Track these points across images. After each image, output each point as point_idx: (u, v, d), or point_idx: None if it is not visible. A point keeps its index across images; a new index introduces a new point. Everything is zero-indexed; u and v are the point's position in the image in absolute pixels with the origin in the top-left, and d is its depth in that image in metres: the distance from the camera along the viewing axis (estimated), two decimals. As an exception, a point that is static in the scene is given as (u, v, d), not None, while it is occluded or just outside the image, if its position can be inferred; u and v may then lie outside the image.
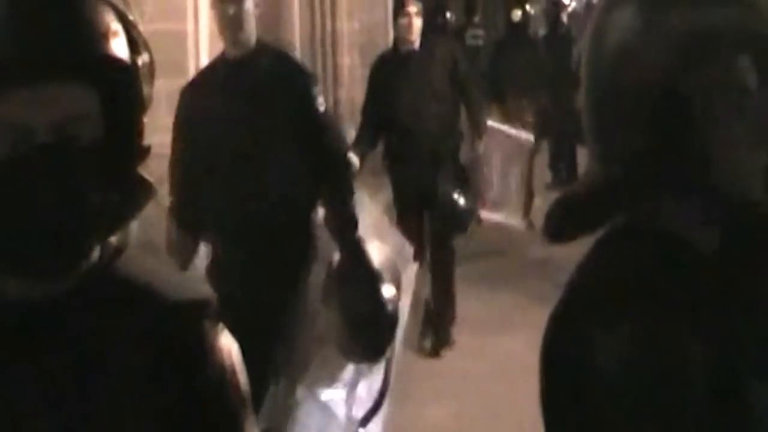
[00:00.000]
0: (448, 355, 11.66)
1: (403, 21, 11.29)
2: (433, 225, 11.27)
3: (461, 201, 11.32)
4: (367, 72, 12.28)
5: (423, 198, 11.19)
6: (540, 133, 17.82)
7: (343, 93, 18.96)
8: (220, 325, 2.31)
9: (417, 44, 11.36)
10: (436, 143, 11.25)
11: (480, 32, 22.24)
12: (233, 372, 2.31)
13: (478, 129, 11.76)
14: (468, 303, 12.21)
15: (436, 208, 11.18)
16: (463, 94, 11.59)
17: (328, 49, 19.31)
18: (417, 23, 11.25)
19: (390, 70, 11.30)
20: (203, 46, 12.83)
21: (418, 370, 10.89)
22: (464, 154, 11.73)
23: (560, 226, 2.51)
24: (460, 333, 11.88)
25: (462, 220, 11.36)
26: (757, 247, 2.50)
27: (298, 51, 16.64)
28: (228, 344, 2.31)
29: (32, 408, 2.18)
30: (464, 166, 11.66)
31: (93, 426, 2.20)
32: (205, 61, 12.71)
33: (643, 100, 2.38)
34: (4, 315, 2.19)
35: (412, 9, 11.24)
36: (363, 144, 10.96)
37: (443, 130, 11.32)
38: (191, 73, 12.45)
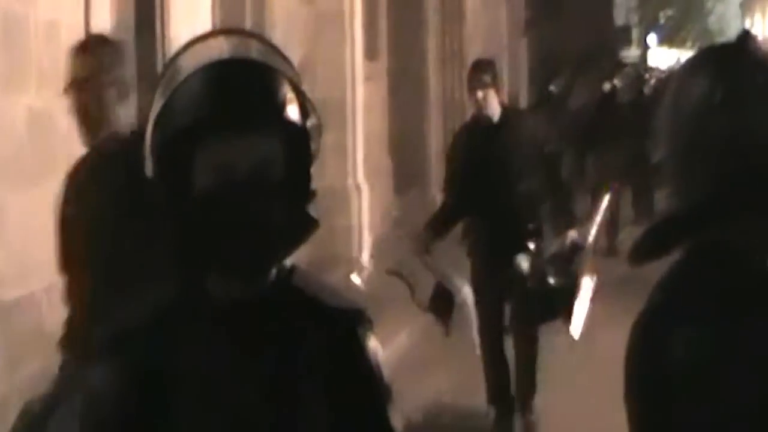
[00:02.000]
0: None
1: (479, 93, 8.77)
2: (517, 315, 8.84)
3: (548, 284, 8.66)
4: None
5: (501, 287, 8.75)
6: (625, 177, 17.74)
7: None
8: (370, 329, 2.41)
9: (497, 118, 8.84)
10: (518, 227, 8.75)
11: (579, 99, 22.09)
12: (378, 367, 2.39)
13: (565, 217, 9.05)
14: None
15: (518, 296, 8.73)
16: (550, 177, 8.99)
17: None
18: (492, 94, 8.78)
19: (473, 145, 8.91)
20: (359, 111, 13.06)
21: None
22: (555, 246, 8.85)
23: (646, 250, 2.50)
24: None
25: (549, 307, 8.66)
26: None
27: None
28: (375, 345, 2.40)
29: (233, 380, 2.30)
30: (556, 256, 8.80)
31: (281, 396, 2.31)
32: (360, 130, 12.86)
33: (723, 145, 2.40)
34: (216, 309, 2.32)
35: (486, 78, 8.80)
36: (439, 225, 9.07)
37: (527, 214, 8.79)
38: (349, 131, 12.68)
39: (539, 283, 8.57)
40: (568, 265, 8.65)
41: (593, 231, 9.39)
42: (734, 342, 2.37)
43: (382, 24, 16.98)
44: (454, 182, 9.00)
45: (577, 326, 8.46)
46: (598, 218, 9.78)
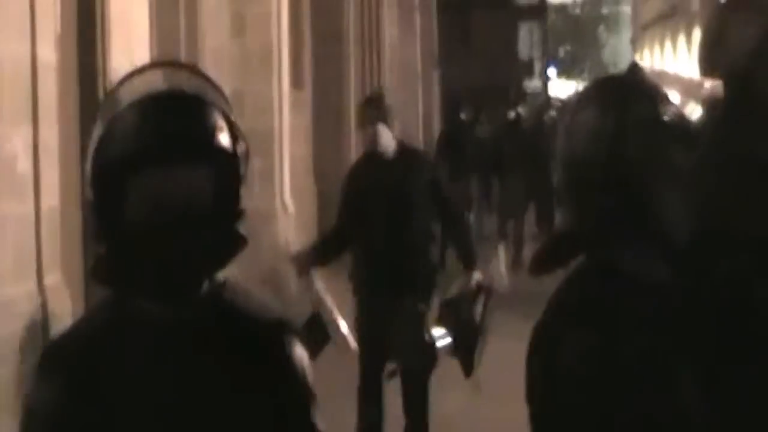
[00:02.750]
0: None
1: (369, 129, 7.75)
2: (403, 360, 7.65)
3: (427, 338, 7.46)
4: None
5: (384, 327, 7.61)
6: (529, 198, 17.94)
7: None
8: (296, 338, 2.39)
9: (391, 153, 7.77)
10: (408, 266, 7.62)
11: (486, 127, 22.28)
12: (304, 373, 2.38)
13: (469, 258, 7.80)
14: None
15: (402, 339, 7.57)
16: (445, 216, 7.85)
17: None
18: (383, 129, 7.69)
19: (364, 181, 7.87)
20: (285, 138, 13.06)
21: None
22: (454, 288, 7.79)
23: (543, 263, 2.55)
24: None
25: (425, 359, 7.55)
26: (689, 276, 2.53)
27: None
28: (301, 353, 2.38)
29: (169, 392, 2.28)
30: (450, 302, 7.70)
31: (213, 405, 2.30)
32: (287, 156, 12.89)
33: (606, 173, 2.45)
34: (151, 324, 2.30)
35: (376, 113, 7.78)
36: (322, 252, 8.06)
37: (418, 253, 7.71)
38: (276, 157, 12.68)
39: (427, 326, 7.51)
40: (470, 307, 7.57)
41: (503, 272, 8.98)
42: (615, 355, 2.39)
43: (307, 57, 17.00)
44: (342, 213, 7.97)
45: (471, 371, 7.44)
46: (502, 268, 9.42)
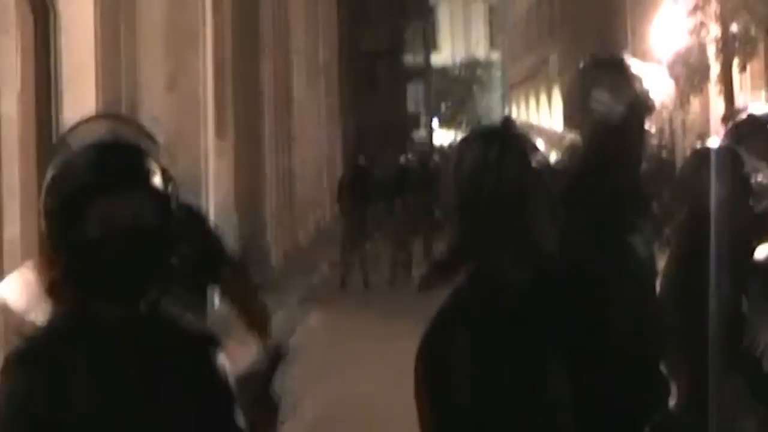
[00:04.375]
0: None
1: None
2: None
3: None
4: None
5: None
6: (416, 229, 18.14)
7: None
8: (219, 349, 2.37)
9: None
10: None
11: (378, 172, 22.35)
12: (226, 378, 2.35)
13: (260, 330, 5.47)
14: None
15: None
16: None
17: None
18: None
19: None
20: (211, 178, 13.00)
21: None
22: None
23: (430, 280, 2.56)
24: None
25: None
26: (551, 280, 2.54)
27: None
28: (225, 364, 2.36)
29: (110, 398, 2.25)
30: None
31: (147, 405, 2.27)
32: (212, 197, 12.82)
33: (487, 201, 2.49)
34: (102, 327, 2.28)
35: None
36: None
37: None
38: (203, 195, 12.62)
39: None
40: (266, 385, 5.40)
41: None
42: (495, 356, 2.40)
43: (230, 110, 16.95)
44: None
45: None
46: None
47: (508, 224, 2.47)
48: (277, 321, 13.19)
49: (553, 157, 3.06)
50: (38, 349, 2.27)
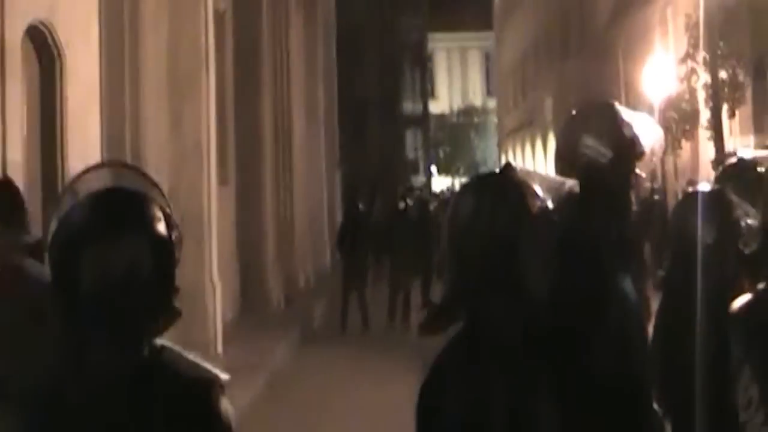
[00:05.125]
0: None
1: None
2: None
3: None
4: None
5: None
6: (415, 274, 18.09)
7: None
8: (223, 394, 2.33)
9: None
10: None
11: (378, 216, 22.32)
12: (229, 423, 2.32)
13: None
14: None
15: None
16: None
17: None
18: None
19: None
20: (213, 224, 12.99)
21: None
22: None
23: (429, 325, 2.55)
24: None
25: None
26: (543, 328, 2.53)
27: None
28: (227, 407, 2.33)
29: None
30: None
31: None
32: (215, 242, 12.80)
33: (484, 248, 2.47)
34: (101, 377, 2.27)
35: None
36: None
37: None
38: (206, 240, 12.60)
39: None
40: None
41: None
42: (489, 402, 2.40)
43: (232, 156, 16.98)
44: None
45: None
46: None
47: (503, 272, 2.45)
48: (276, 362, 13.23)
49: (552, 203, 2.92)
50: (39, 392, 2.26)
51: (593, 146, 3.18)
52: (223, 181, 15.31)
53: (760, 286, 2.49)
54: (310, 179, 25.26)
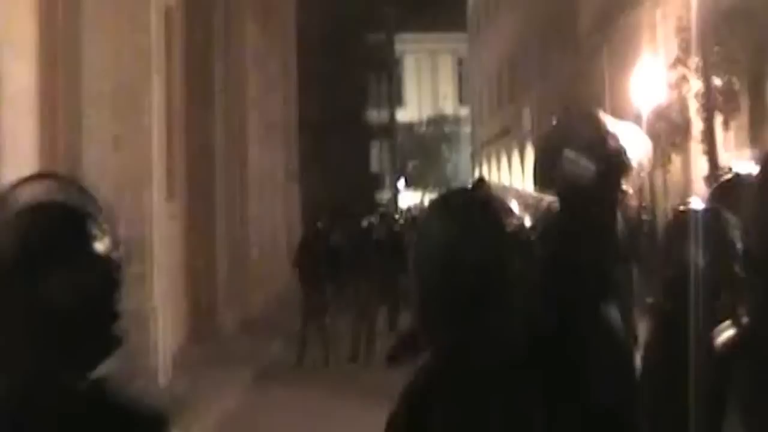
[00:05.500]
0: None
1: None
2: None
3: None
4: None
5: None
6: (380, 301, 18.04)
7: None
8: (168, 428, 2.33)
9: None
10: None
11: (339, 237, 22.31)
12: None
13: None
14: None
15: None
16: None
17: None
18: None
19: None
20: (158, 244, 12.94)
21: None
22: None
23: (395, 358, 2.65)
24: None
25: None
26: (522, 357, 2.53)
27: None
28: None
29: None
30: None
31: None
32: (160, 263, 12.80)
33: (453, 275, 2.45)
34: (29, 410, 2.24)
35: None
36: None
37: None
38: (149, 262, 12.55)
39: None
40: None
41: None
42: (472, 425, 2.43)
43: (181, 169, 16.92)
44: None
45: None
46: None
47: (478, 296, 2.43)
48: (226, 399, 13.15)
49: (529, 221, 2.95)
50: None
51: (575, 159, 3.18)
52: (170, 197, 15.27)
53: (744, 319, 2.45)
54: (266, 196, 25.21)
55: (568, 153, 3.19)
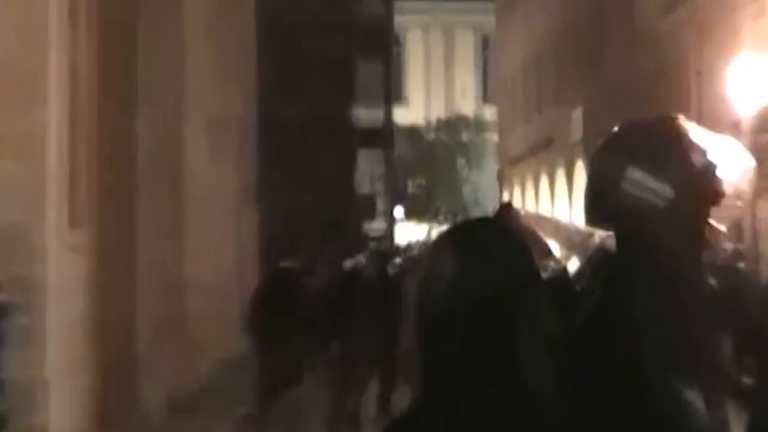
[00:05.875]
0: None
1: None
2: None
3: None
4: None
5: None
6: (371, 371, 18.19)
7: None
8: None
9: None
10: None
11: (318, 279, 22.34)
12: None
13: None
14: None
15: None
16: None
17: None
18: None
19: None
20: (55, 288, 12.91)
21: None
22: None
23: None
24: None
25: None
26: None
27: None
28: None
29: None
30: None
31: None
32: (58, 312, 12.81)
33: (465, 332, 2.59)
34: None
35: None
36: None
37: None
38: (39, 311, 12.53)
39: None
40: None
41: None
42: None
43: (90, 185, 16.89)
44: None
45: None
46: None
47: (497, 365, 2.54)
48: None
49: (574, 265, 3.13)
50: None
51: (644, 182, 3.23)
52: (73, 223, 15.27)
53: None
54: (211, 224, 25.29)
55: (634, 172, 3.24)
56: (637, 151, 3.28)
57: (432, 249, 2.75)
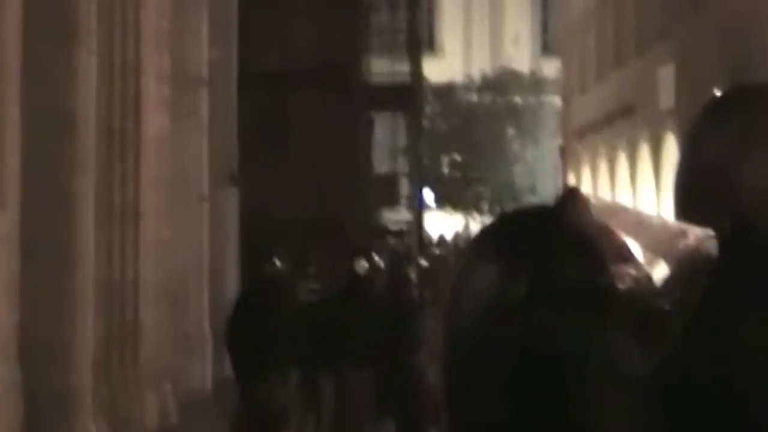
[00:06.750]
0: None
1: None
2: None
3: None
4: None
5: None
6: (381, 407, 18.26)
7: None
8: None
9: None
10: None
11: (316, 285, 22.48)
12: None
13: None
14: None
15: None
16: None
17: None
18: None
19: None
20: None
21: None
22: None
23: None
24: None
25: None
26: None
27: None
28: None
29: None
30: None
31: None
32: None
33: (513, 366, 2.60)
34: None
35: None
36: None
37: None
38: None
39: None
40: None
41: None
42: None
43: (13, 169, 16.90)
44: None
45: None
46: None
47: (553, 405, 2.56)
48: None
49: (661, 273, 3.13)
50: None
51: (762, 167, 3.27)
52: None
53: None
54: (177, 212, 25.42)
55: (749, 153, 3.29)
56: (752, 125, 3.32)
57: (469, 250, 2.76)
